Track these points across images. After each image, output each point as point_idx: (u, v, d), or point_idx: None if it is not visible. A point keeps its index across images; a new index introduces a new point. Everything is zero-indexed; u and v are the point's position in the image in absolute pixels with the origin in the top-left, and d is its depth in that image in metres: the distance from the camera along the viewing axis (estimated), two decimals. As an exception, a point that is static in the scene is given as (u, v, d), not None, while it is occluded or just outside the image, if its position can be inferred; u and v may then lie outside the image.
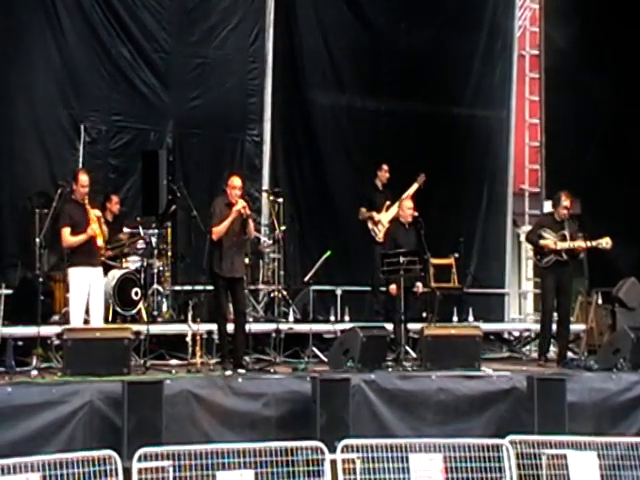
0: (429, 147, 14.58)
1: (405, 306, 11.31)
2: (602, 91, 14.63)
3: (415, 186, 13.05)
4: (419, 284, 11.60)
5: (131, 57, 12.87)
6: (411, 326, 11.79)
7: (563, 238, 11.83)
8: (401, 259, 11.17)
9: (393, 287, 11.33)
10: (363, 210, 13.02)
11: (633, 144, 14.60)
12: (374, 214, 12.95)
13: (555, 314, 11.98)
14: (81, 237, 10.04)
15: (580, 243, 11.87)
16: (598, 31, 14.64)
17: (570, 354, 12.70)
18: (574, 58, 14.98)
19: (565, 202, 11.89)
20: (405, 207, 12.02)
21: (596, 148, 14.88)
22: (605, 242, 11.86)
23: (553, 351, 12.23)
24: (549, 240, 11.81)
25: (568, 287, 12.05)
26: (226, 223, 10.33)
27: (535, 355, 12.54)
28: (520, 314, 15.26)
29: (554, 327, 12.02)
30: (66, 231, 10.11)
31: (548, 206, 14.59)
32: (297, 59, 13.68)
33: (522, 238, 15.42)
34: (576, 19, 14.93)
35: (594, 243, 11.94)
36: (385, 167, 13.18)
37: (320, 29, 13.80)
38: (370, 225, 12.95)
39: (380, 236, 12.86)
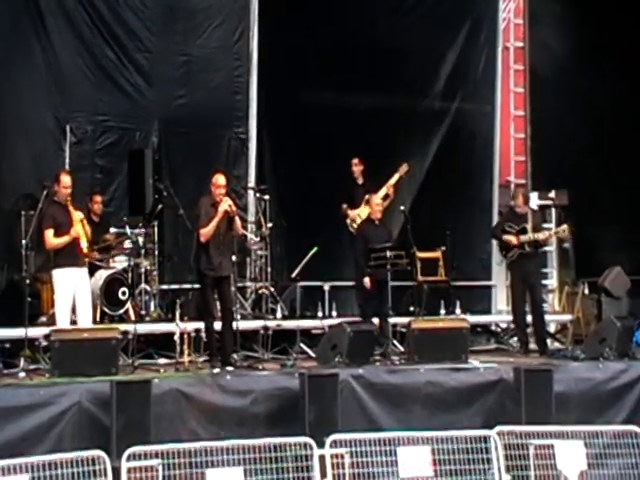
0: (415, 141, 14.61)
1: (380, 299, 11.35)
2: (587, 82, 14.64)
3: (396, 176, 12.94)
4: (366, 279, 11.37)
5: (115, 57, 12.84)
6: (398, 320, 11.84)
7: (523, 231, 11.95)
8: (388, 253, 11.22)
9: (367, 280, 11.35)
10: (343, 206, 13.01)
11: (619, 134, 14.64)
12: (348, 212, 12.87)
13: (528, 306, 12.04)
14: (64, 238, 10.03)
15: (540, 235, 12.02)
16: (585, 23, 14.66)
17: (557, 344, 12.79)
18: (559, 50, 14.96)
19: (517, 199, 12.15)
20: (374, 204, 11.97)
21: (582, 139, 14.91)
22: (562, 230, 12.15)
23: (532, 341, 12.30)
24: (511, 235, 11.92)
25: (536, 278, 12.21)
26: (213, 224, 10.32)
27: (523, 346, 12.61)
28: (507, 306, 15.27)
29: (529, 318, 12.10)
30: (49, 233, 10.11)
31: (534, 198, 14.71)
32: (282, 56, 13.64)
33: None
34: (562, 12, 14.95)
35: (552, 232, 12.17)
36: (355, 160, 12.99)
37: (304, 26, 13.78)
38: (348, 221, 12.96)
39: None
